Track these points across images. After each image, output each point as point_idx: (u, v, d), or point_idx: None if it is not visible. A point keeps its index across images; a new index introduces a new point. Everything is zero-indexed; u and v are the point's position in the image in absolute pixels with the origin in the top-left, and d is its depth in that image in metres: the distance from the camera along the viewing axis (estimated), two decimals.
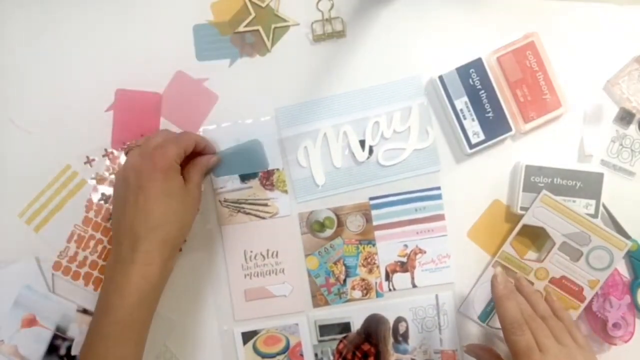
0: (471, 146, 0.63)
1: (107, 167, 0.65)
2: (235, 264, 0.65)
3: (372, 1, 0.65)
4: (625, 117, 0.64)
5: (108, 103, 0.65)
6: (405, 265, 0.65)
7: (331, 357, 0.65)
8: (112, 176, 0.65)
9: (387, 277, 0.65)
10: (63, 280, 0.64)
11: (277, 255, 0.65)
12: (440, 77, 0.63)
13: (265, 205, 0.65)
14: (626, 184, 0.65)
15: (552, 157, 0.64)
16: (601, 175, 0.62)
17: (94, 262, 0.64)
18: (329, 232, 0.65)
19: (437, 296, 0.65)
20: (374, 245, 0.65)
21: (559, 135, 0.65)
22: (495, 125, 0.63)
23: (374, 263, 0.65)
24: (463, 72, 0.63)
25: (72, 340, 0.64)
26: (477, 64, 0.63)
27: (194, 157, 0.61)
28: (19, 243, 0.64)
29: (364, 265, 0.65)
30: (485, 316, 0.64)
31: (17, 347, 0.63)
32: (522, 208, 0.63)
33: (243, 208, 0.65)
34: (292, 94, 0.65)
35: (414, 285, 0.65)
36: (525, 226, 0.63)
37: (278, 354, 0.65)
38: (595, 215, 0.62)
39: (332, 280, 0.65)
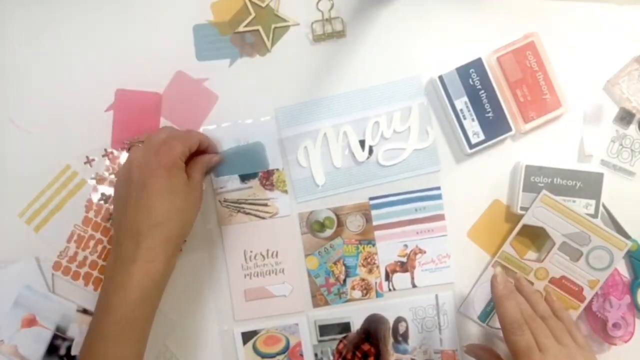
0: (471, 146, 0.63)
1: (107, 167, 0.65)
2: (235, 264, 0.65)
3: (372, 1, 0.65)
4: (625, 117, 0.64)
5: (108, 103, 0.65)
6: (405, 265, 0.65)
7: (331, 357, 0.65)
8: (112, 176, 0.65)
9: (387, 277, 0.65)
10: (63, 280, 0.64)
11: (277, 255, 0.65)
12: (440, 77, 0.63)
13: (265, 205, 0.65)
14: (626, 184, 0.65)
15: (552, 157, 0.64)
16: (601, 175, 0.62)
17: (94, 262, 0.64)
18: (328, 232, 0.65)
19: (437, 296, 0.65)
20: (373, 245, 0.65)
21: (559, 135, 0.65)
22: (495, 125, 0.63)
23: (374, 263, 0.65)
24: (463, 72, 0.63)
25: (72, 340, 0.64)
26: (477, 64, 0.63)
27: (196, 155, 0.61)
28: (19, 243, 0.64)
29: (363, 265, 0.65)
30: (485, 316, 0.64)
31: (17, 347, 0.63)
32: (522, 208, 0.63)
33: (243, 208, 0.65)
34: (292, 94, 0.65)
35: (414, 285, 0.65)
36: (525, 226, 0.63)
37: (278, 354, 0.65)
38: (595, 215, 0.62)
39: (332, 280, 0.65)
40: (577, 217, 0.61)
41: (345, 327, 0.65)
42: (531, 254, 0.65)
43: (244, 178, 0.65)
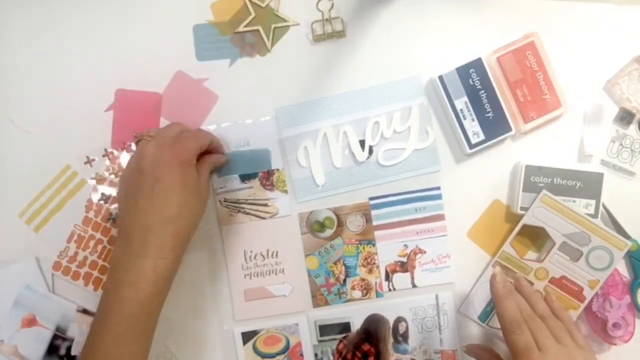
0: (471, 146, 0.63)
1: (107, 167, 0.65)
2: (235, 264, 0.65)
3: (372, 1, 0.65)
4: (625, 117, 0.64)
5: (108, 103, 0.65)
6: (405, 265, 0.65)
7: (331, 357, 0.65)
8: (112, 176, 0.65)
9: (387, 277, 0.65)
10: (63, 280, 0.64)
11: (277, 255, 0.65)
12: (440, 77, 0.63)
13: (265, 205, 0.65)
14: (626, 184, 0.65)
15: (552, 157, 0.64)
16: (601, 175, 0.62)
17: (94, 262, 0.64)
18: (329, 232, 0.65)
19: (437, 296, 0.65)
20: (373, 245, 0.65)
21: (559, 135, 0.65)
22: (495, 125, 0.63)
23: (374, 263, 0.65)
24: (463, 72, 0.63)
25: (72, 340, 0.64)
26: (477, 64, 0.63)
27: (203, 154, 0.60)
28: (19, 243, 0.64)
29: (363, 265, 0.65)
30: (485, 316, 0.64)
31: (17, 347, 0.63)
32: (522, 208, 0.63)
33: (243, 208, 0.65)
34: (292, 94, 0.65)
35: (414, 285, 0.65)
36: (525, 226, 0.63)
37: (278, 354, 0.65)
38: (595, 215, 0.62)
39: (332, 280, 0.65)
40: (577, 217, 0.61)
41: (345, 327, 0.65)
42: (531, 254, 0.65)
43: (244, 178, 0.65)
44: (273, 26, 0.65)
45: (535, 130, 0.64)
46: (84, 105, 0.65)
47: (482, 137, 0.63)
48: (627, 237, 0.63)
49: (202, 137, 0.59)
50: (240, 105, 0.65)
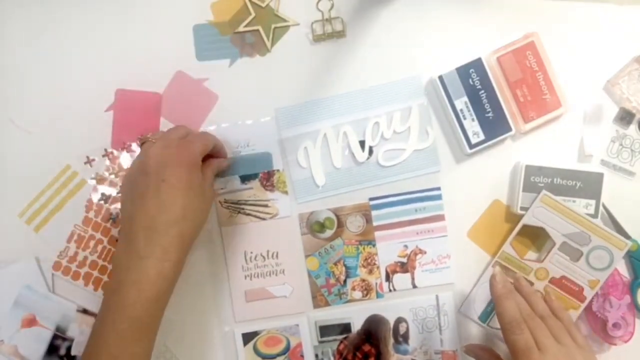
0: (471, 146, 0.63)
1: (107, 167, 0.65)
2: (236, 265, 0.65)
3: (372, 1, 0.65)
4: (625, 117, 0.64)
5: (108, 103, 0.65)
6: (405, 266, 0.65)
7: (332, 358, 0.65)
8: (113, 176, 0.65)
9: (388, 278, 0.65)
10: (63, 280, 0.64)
11: (277, 256, 0.65)
12: (440, 77, 0.63)
13: (266, 206, 0.65)
14: (626, 184, 0.65)
15: (552, 157, 0.64)
16: (601, 175, 0.62)
17: (94, 262, 0.64)
18: (329, 233, 0.65)
19: (437, 297, 0.65)
20: (374, 245, 0.65)
21: (559, 135, 0.65)
22: (495, 125, 0.63)
23: (374, 264, 0.65)
24: (463, 72, 0.63)
25: (72, 340, 0.64)
26: (477, 64, 0.63)
27: (206, 158, 0.60)
28: (19, 243, 0.64)
29: (364, 266, 0.65)
30: (485, 316, 0.64)
31: (17, 347, 0.63)
32: (522, 208, 0.63)
33: (243, 209, 0.65)
34: (292, 93, 0.65)
35: (414, 286, 0.65)
36: (525, 226, 0.63)
37: (278, 354, 0.65)
38: (595, 215, 0.62)
39: (332, 281, 0.65)
40: (577, 217, 0.61)
41: (345, 327, 0.65)
42: (531, 254, 0.65)
43: (245, 179, 0.65)
44: (273, 26, 0.65)
45: (535, 130, 0.64)
46: (84, 105, 0.65)
47: (482, 137, 0.63)
48: (627, 237, 0.62)
49: (207, 139, 0.59)
50: (240, 105, 0.65)
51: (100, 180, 0.65)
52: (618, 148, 0.65)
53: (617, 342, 0.63)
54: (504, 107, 0.63)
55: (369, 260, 0.65)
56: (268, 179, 0.65)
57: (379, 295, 0.65)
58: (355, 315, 0.65)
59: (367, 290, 0.65)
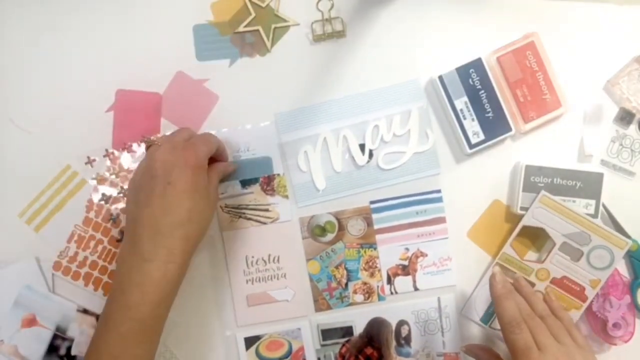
0: (471, 146, 0.63)
1: (108, 168, 0.65)
2: (237, 269, 0.65)
3: (372, 1, 0.65)
4: (625, 117, 0.64)
5: (108, 103, 0.65)
6: (406, 269, 0.65)
7: None
8: (113, 176, 0.65)
9: (389, 281, 0.65)
10: (63, 280, 0.64)
11: (278, 260, 0.65)
12: (440, 77, 0.63)
13: (266, 210, 0.65)
14: (626, 184, 0.65)
15: (552, 157, 0.64)
16: (601, 175, 0.62)
17: (94, 263, 0.64)
18: (330, 237, 0.65)
19: (439, 299, 0.65)
20: (375, 248, 0.65)
21: (559, 135, 0.65)
22: (495, 125, 0.63)
23: (376, 267, 0.65)
24: (463, 72, 0.63)
25: (72, 340, 0.64)
26: (477, 64, 0.63)
27: (211, 161, 0.60)
28: (19, 243, 0.64)
29: (365, 269, 0.65)
30: (487, 318, 0.64)
31: (17, 347, 0.63)
32: (522, 208, 0.63)
33: (244, 213, 0.65)
34: (292, 94, 0.65)
35: (416, 289, 0.65)
36: (525, 227, 0.63)
37: (281, 358, 0.65)
38: (595, 215, 0.62)
39: (333, 284, 0.65)
40: (577, 217, 0.61)
41: (347, 331, 0.65)
42: (531, 255, 0.64)
43: (245, 183, 0.65)
44: (273, 26, 0.65)
45: (535, 130, 0.64)
46: (85, 105, 0.65)
47: (482, 137, 0.63)
48: (627, 237, 0.62)
49: (210, 141, 0.59)
50: (241, 106, 0.65)
51: (101, 180, 0.65)
52: (618, 148, 0.65)
53: (617, 342, 0.63)
54: (504, 107, 0.63)
55: (370, 264, 0.65)
56: (268, 183, 0.65)
57: (380, 298, 0.65)
58: (357, 318, 0.65)
59: (368, 293, 0.65)
